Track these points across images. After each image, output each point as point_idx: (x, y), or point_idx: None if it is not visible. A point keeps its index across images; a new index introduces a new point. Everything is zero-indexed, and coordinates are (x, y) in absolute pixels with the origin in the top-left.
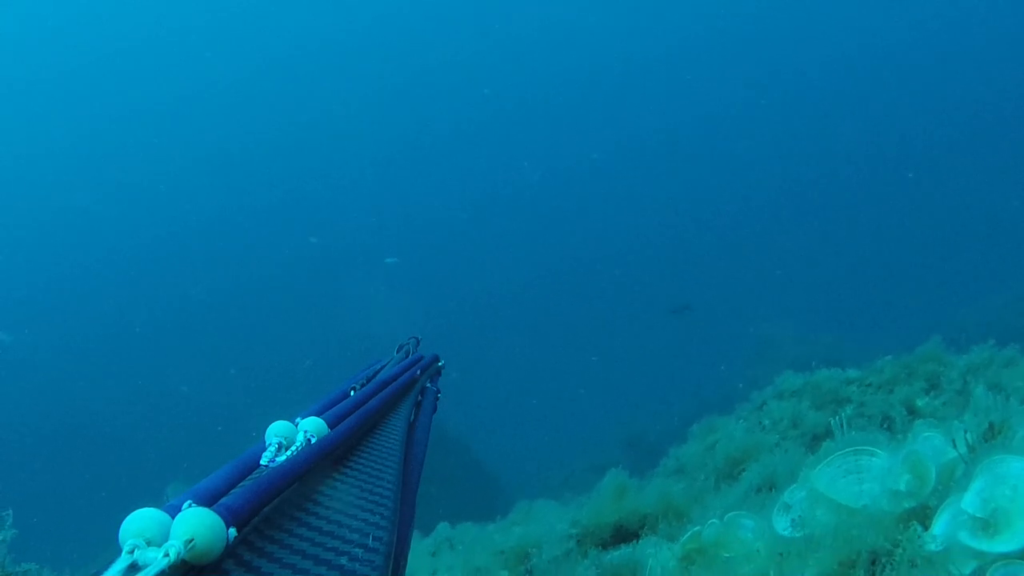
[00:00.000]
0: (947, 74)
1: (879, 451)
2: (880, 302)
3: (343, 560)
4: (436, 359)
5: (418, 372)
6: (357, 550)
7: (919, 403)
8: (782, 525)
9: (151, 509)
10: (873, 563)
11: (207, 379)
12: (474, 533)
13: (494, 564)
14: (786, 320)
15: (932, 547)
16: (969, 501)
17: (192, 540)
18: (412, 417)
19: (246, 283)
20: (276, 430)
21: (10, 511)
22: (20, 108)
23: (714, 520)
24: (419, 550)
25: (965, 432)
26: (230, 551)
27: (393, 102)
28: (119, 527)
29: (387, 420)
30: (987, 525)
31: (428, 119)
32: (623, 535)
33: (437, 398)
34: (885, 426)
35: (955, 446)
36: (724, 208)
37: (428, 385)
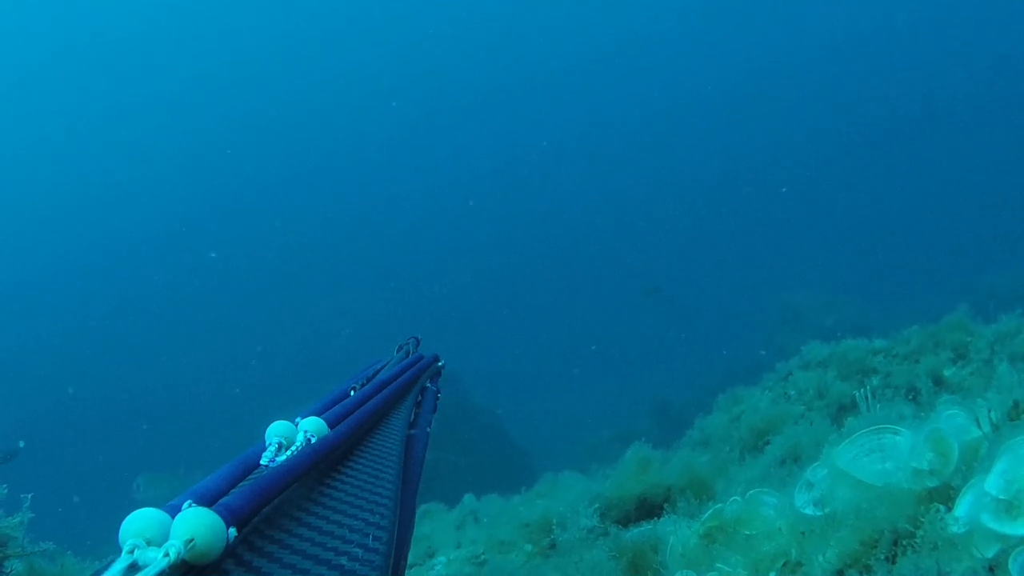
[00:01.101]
0: (974, 35)
1: (903, 429)
2: (908, 266)
3: (343, 560)
4: (436, 359)
5: (418, 372)
6: (357, 550)
7: (946, 373)
8: (804, 503)
9: (151, 509)
10: (895, 543)
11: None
12: (499, 506)
13: (518, 537)
14: (813, 287)
15: (955, 529)
16: (992, 482)
17: (192, 540)
18: (412, 417)
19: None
20: (276, 430)
21: (29, 495)
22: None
23: (736, 497)
24: (444, 523)
25: (989, 411)
26: (230, 551)
27: (390, 83)
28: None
29: (387, 420)
30: (1011, 507)
31: (435, 100)
32: (647, 508)
33: (437, 398)
34: (911, 397)
35: (979, 425)
36: (753, 175)
37: (428, 385)
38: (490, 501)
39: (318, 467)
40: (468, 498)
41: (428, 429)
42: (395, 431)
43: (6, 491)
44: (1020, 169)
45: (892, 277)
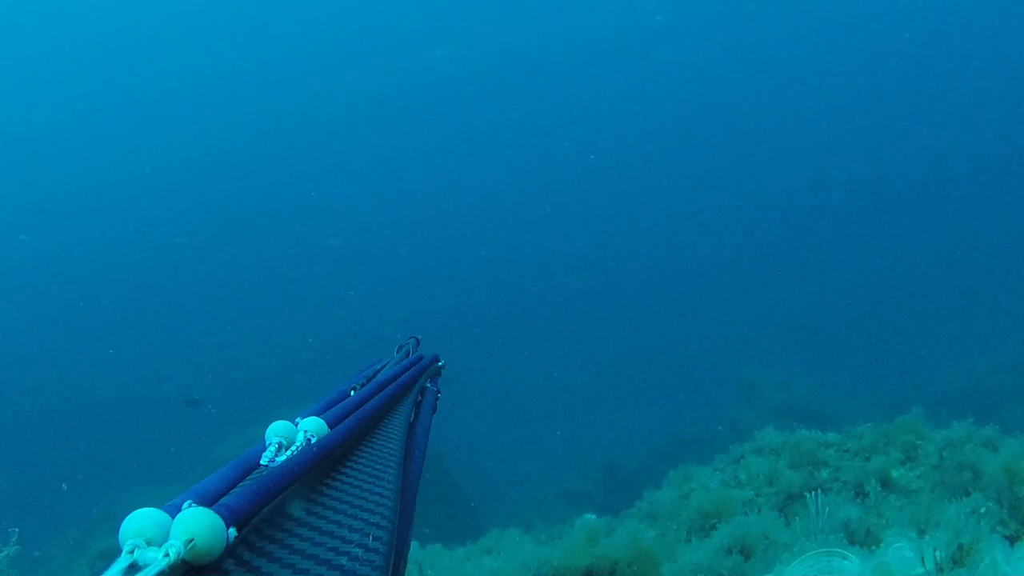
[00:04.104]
0: (946, 121)
1: (852, 555)
2: (867, 354)
3: (343, 560)
4: (436, 359)
5: (418, 372)
6: (357, 550)
7: (894, 474)
8: None
9: (151, 509)
10: None
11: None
12: (445, 560)
13: None
14: (770, 364)
15: None
16: None
17: (192, 540)
18: (412, 417)
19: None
20: (276, 430)
21: (16, 529)
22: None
23: None
24: None
25: (935, 550)
26: (230, 551)
27: (396, 99)
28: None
29: (387, 420)
30: None
31: (429, 122)
32: None
33: (437, 398)
34: (857, 495)
35: (923, 563)
36: (715, 248)
37: (428, 385)
38: (435, 552)
39: (318, 467)
40: (413, 545)
41: (428, 430)
42: (395, 431)
43: None
44: (987, 269)
45: (851, 363)
